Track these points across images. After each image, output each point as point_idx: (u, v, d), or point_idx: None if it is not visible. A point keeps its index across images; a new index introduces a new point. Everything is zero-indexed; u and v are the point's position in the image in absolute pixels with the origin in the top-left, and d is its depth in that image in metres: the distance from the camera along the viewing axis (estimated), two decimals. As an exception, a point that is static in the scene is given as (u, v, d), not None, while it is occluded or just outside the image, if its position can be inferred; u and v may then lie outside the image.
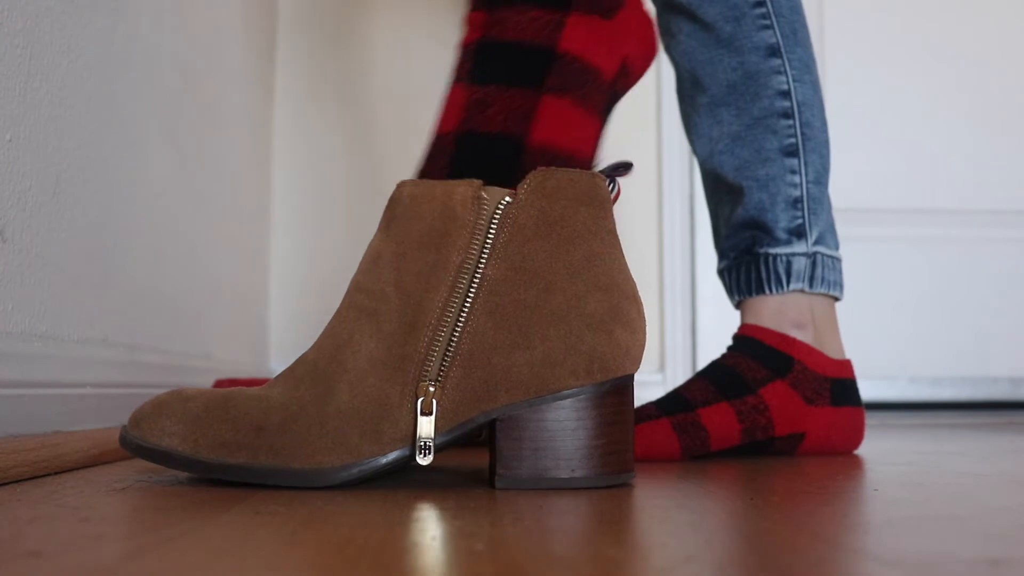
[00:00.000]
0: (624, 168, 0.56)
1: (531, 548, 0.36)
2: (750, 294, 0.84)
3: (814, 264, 0.84)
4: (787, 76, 0.85)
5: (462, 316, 0.53)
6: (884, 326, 1.94)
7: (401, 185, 0.56)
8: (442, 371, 0.52)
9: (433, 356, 0.52)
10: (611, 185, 0.66)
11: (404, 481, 0.57)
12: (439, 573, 0.31)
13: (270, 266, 1.85)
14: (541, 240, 0.54)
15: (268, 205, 1.83)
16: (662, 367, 1.93)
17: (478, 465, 0.70)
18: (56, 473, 0.61)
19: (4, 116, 0.70)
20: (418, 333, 0.53)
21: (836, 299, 0.86)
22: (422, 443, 0.52)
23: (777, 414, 0.78)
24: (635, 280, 0.68)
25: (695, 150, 0.90)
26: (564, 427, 0.53)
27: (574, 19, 0.60)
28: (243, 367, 1.52)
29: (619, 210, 1.84)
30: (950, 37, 2.00)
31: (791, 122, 0.84)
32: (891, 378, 1.93)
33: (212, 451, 0.54)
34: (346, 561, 0.34)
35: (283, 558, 0.34)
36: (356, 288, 0.55)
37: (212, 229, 1.34)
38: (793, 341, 0.81)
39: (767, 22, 0.85)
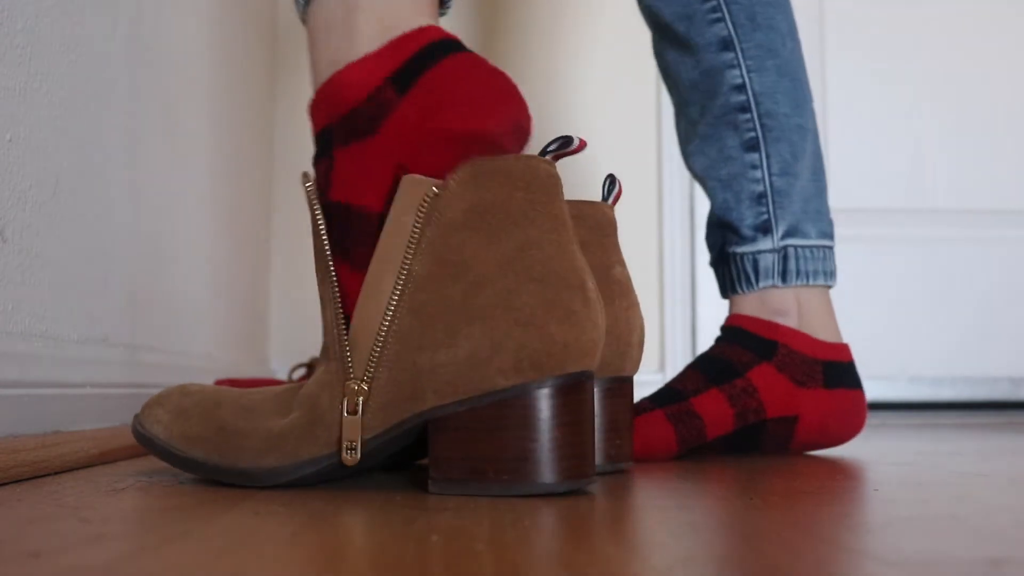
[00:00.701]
0: (566, 143, 0.53)
1: (531, 548, 0.36)
2: (726, 293, 0.86)
3: (785, 258, 0.83)
4: (741, 68, 0.84)
5: (387, 315, 0.50)
6: (884, 326, 1.94)
7: None
8: (368, 372, 0.51)
9: (352, 356, 0.51)
10: (612, 184, 0.66)
11: (404, 482, 0.57)
12: (439, 573, 0.31)
13: (270, 266, 1.85)
14: (471, 231, 0.49)
15: (268, 205, 1.83)
16: (662, 367, 1.93)
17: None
18: (56, 473, 0.61)
19: (4, 116, 0.70)
20: (342, 334, 0.52)
21: (827, 287, 0.85)
22: (347, 443, 0.51)
23: (766, 395, 0.78)
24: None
25: (681, 150, 0.91)
26: (500, 429, 0.49)
27: (338, 159, 0.53)
28: (243, 367, 1.52)
29: (619, 210, 1.84)
30: (950, 37, 2.00)
31: (749, 115, 0.84)
32: (891, 378, 1.92)
33: (181, 443, 0.55)
34: (346, 561, 0.34)
35: (283, 559, 0.34)
36: None
37: (212, 229, 1.34)
38: (776, 326, 0.81)
39: (718, 15, 0.84)
